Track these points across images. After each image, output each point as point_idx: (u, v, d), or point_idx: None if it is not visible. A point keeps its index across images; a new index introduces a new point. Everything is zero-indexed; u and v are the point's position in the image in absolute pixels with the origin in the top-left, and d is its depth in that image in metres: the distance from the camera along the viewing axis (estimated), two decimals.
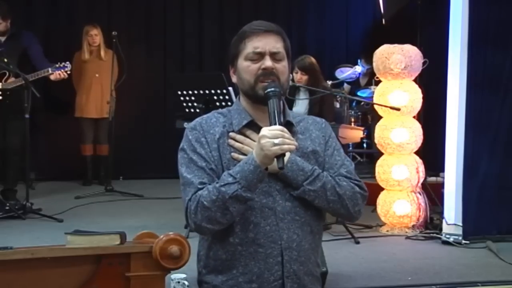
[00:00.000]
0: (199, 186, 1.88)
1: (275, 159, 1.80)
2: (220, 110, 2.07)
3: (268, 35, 1.95)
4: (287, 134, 1.81)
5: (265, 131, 1.81)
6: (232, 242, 1.91)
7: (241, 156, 1.91)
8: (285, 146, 1.78)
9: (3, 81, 5.42)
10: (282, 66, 1.97)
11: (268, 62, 1.93)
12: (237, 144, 1.94)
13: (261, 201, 1.90)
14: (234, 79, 2.04)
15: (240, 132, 1.96)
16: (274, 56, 1.95)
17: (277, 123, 1.83)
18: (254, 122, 1.98)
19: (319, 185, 1.91)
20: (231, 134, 1.96)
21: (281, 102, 1.94)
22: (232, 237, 1.91)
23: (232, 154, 1.93)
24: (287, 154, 1.85)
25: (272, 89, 1.89)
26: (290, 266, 1.90)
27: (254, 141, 1.90)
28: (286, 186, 1.93)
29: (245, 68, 1.96)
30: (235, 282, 1.92)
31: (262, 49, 1.94)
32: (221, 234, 1.92)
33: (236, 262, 1.91)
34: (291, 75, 5.32)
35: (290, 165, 1.90)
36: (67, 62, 5.55)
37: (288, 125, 1.96)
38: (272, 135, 1.78)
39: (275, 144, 1.77)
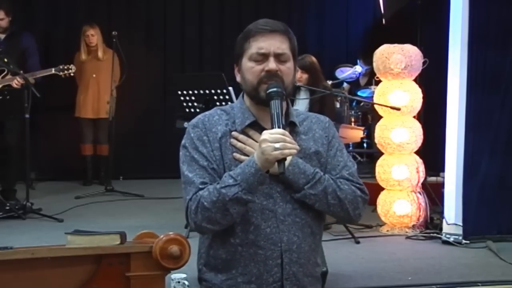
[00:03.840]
0: (200, 186, 1.87)
1: (276, 163, 1.78)
2: (222, 107, 2.04)
3: (273, 35, 1.91)
4: (288, 138, 1.79)
5: (266, 135, 1.79)
6: (232, 242, 1.91)
7: (242, 157, 1.90)
8: (286, 151, 1.77)
9: (1, 77, 5.39)
10: (287, 68, 1.93)
11: (272, 64, 1.89)
12: (239, 144, 1.92)
13: (262, 203, 1.90)
14: (238, 78, 2.01)
15: (242, 131, 1.94)
16: (278, 57, 1.91)
17: (279, 125, 1.81)
18: (257, 122, 1.95)
19: (320, 189, 1.90)
20: (234, 133, 1.94)
21: (284, 102, 1.91)
22: (232, 237, 1.91)
23: (234, 154, 1.92)
24: (289, 157, 1.83)
25: (274, 89, 1.86)
26: (290, 268, 1.90)
27: (256, 141, 1.88)
28: (287, 188, 1.91)
29: (249, 69, 1.92)
30: (234, 282, 1.92)
31: (266, 50, 1.90)
32: (222, 234, 1.92)
33: (236, 263, 1.91)
34: None
35: (291, 168, 1.88)
36: (71, 65, 5.54)
37: (291, 125, 1.95)
38: (273, 139, 1.77)
39: (276, 149, 1.76)
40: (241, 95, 2.04)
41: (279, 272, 1.89)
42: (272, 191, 1.91)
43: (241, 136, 1.93)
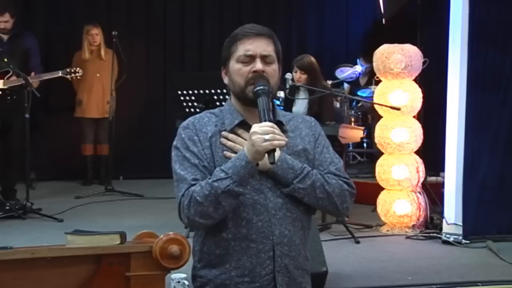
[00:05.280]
0: (192, 182, 1.92)
1: (266, 155, 1.84)
2: (211, 110, 2.12)
3: (259, 38, 2.01)
4: (277, 130, 1.86)
5: (255, 127, 1.86)
6: (225, 237, 1.96)
7: (233, 155, 1.95)
8: (276, 142, 1.84)
9: (5, 79, 5.40)
10: (272, 69, 2.02)
11: (258, 65, 1.98)
12: (229, 143, 1.99)
13: (253, 198, 1.95)
14: (225, 80, 2.09)
15: (232, 131, 2.01)
16: (264, 59, 2.00)
17: (267, 119, 1.88)
18: (245, 122, 2.02)
19: (309, 183, 1.96)
20: (224, 133, 2.01)
21: (271, 102, 1.98)
22: (225, 232, 1.95)
23: (225, 152, 1.98)
24: (278, 150, 1.90)
25: (261, 87, 1.94)
26: (281, 260, 1.95)
27: (245, 140, 1.95)
28: (277, 183, 1.98)
29: (237, 71, 2.01)
30: (228, 276, 1.96)
31: (253, 52, 1.99)
32: (215, 229, 1.96)
33: (229, 257, 1.96)
34: (290, 75, 5.37)
35: (280, 163, 1.94)
36: (78, 68, 5.54)
37: (278, 124, 2.01)
38: (262, 131, 1.84)
39: (266, 140, 1.83)
40: (229, 98, 2.12)
41: (271, 264, 1.95)
42: (263, 187, 1.97)
43: (230, 135, 2.00)
